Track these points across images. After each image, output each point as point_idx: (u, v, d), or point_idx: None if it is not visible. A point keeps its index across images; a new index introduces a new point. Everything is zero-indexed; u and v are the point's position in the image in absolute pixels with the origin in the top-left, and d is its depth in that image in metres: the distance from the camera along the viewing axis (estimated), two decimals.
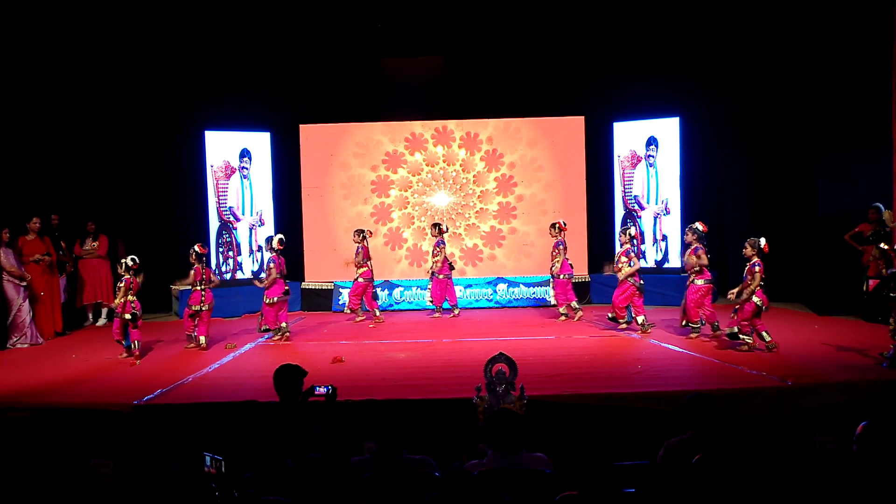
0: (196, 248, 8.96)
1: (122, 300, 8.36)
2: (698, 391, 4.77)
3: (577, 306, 10.24)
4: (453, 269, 10.87)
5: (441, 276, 10.67)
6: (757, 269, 7.81)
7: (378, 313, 10.59)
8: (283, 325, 9.40)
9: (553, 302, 10.64)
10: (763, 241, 7.87)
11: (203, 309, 8.85)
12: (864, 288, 9.14)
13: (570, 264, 10.26)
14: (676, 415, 4.60)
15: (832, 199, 10.07)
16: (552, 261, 10.24)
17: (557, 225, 10.27)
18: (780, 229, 11.02)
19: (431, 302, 10.95)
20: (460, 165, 12.11)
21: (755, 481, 3.65)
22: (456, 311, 10.86)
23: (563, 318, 10.21)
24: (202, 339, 8.90)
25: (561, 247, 10.18)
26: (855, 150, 9.87)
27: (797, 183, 10.79)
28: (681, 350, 8.19)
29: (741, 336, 7.91)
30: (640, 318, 9.24)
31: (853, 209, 9.69)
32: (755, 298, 7.77)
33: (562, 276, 10.16)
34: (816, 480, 3.66)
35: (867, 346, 7.57)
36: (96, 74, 11.06)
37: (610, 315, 9.52)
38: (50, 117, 10.73)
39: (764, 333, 7.87)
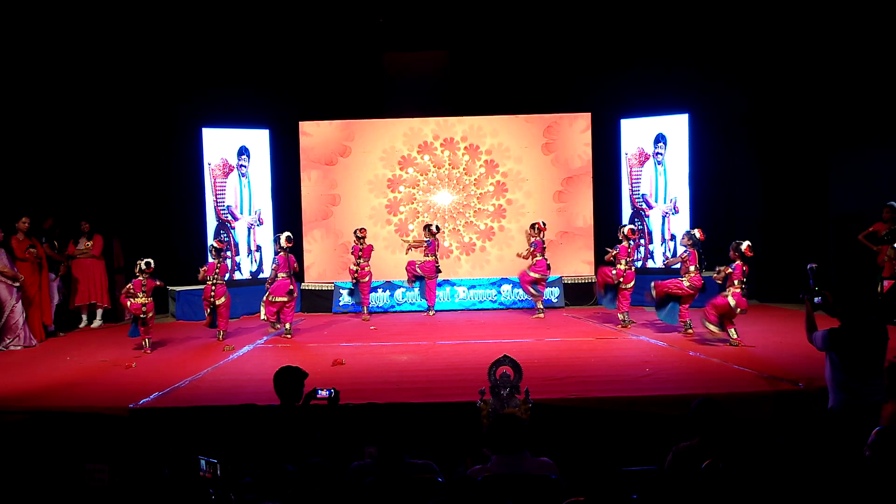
0: (214, 243, 9.49)
1: (146, 300, 8.63)
2: (704, 396, 4.65)
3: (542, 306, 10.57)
4: (440, 272, 10.89)
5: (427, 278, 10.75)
6: (732, 269, 8.01)
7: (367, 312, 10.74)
8: (287, 325, 9.43)
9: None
10: (746, 243, 8.02)
11: (219, 303, 9.19)
12: (879, 289, 9.04)
13: (548, 265, 10.46)
14: (685, 419, 4.48)
15: (846, 197, 9.96)
16: (530, 258, 10.42)
17: (537, 225, 10.44)
18: (792, 229, 10.92)
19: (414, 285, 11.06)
20: (464, 163, 11.98)
21: (766, 487, 3.59)
22: (431, 313, 10.92)
23: (539, 314, 10.45)
24: (221, 333, 9.28)
25: (536, 247, 10.34)
26: (869, 148, 9.76)
27: (810, 181, 10.67)
28: (690, 353, 8.04)
29: (706, 324, 8.18)
30: (620, 315, 9.44)
31: (867, 208, 9.58)
32: (730, 298, 7.95)
33: (532, 274, 10.37)
34: (829, 486, 3.60)
35: None
36: (91, 71, 10.96)
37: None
38: (43, 114, 10.65)
39: (732, 331, 8.14)
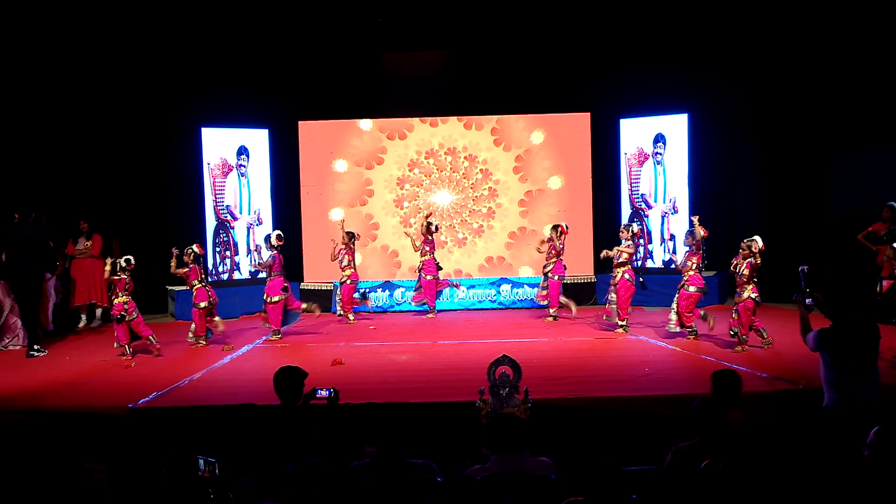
0: (195, 248, 9.03)
1: (122, 300, 8.35)
2: (706, 396, 4.66)
3: (555, 312, 10.27)
4: (440, 269, 10.80)
5: (429, 277, 10.62)
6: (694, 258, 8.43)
7: (353, 318, 10.55)
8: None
9: (543, 303, 10.55)
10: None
11: (203, 306, 8.93)
12: (878, 289, 9.04)
13: (564, 266, 10.26)
14: (684, 419, 4.48)
15: (845, 197, 9.96)
16: (546, 261, 10.25)
17: (559, 228, 10.25)
18: (791, 228, 10.90)
19: (422, 303, 10.89)
20: (463, 163, 11.96)
21: (766, 487, 3.59)
22: (432, 314, 10.78)
23: (550, 318, 10.24)
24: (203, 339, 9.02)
25: (557, 249, 10.19)
26: (869, 148, 9.77)
27: (809, 181, 10.66)
28: (688, 352, 8.04)
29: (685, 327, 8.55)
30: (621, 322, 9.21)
31: (867, 208, 9.58)
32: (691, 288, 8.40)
33: (556, 278, 10.18)
34: (828, 485, 3.62)
35: (882, 349, 7.37)
36: (91, 70, 10.95)
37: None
38: (43, 113, 10.65)
39: (694, 324, 8.55)
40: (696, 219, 8.61)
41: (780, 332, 8.54)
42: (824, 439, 5.11)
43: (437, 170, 11.97)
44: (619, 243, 9.31)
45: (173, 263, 8.96)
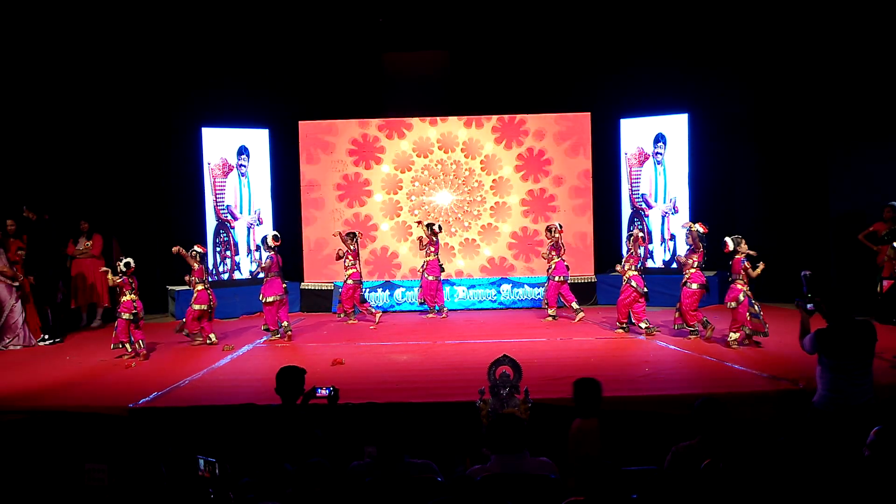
0: (197, 248, 9.08)
1: (130, 298, 8.39)
2: (708, 395, 4.66)
3: (578, 307, 10.20)
4: (443, 270, 10.82)
5: (431, 278, 10.61)
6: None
7: (373, 310, 10.47)
8: (285, 323, 9.33)
9: (544, 303, 10.57)
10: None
11: (212, 307, 9.03)
12: (878, 289, 9.05)
13: (567, 266, 10.22)
14: (685, 419, 4.47)
15: (845, 197, 9.97)
16: (548, 263, 10.25)
17: (553, 228, 10.26)
18: (791, 229, 10.91)
19: (423, 302, 10.90)
20: (463, 163, 11.97)
21: (765, 486, 3.58)
22: (444, 313, 10.78)
23: (549, 318, 10.26)
24: (213, 335, 9.07)
25: (557, 249, 10.18)
26: (869, 148, 9.77)
27: (809, 181, 10.67)
28: (689, 352, 8.04)
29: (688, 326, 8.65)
30: (642, 324, 9.07)
31: (867, 208, 9.58)
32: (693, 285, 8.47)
33: (556, 279, 10.14)
34: (829, 485, 3.61)
35: (881, 349, 7.30)
36: (91, 70, 10.96)
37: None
38: (43, 113, 10.64)
39: (705, 320, 8.60)
40: (697, 225, 8.64)
41: (780, 331, 8.54)
42: (819, 439, 5.10)
43: (437, 169, 11.97)
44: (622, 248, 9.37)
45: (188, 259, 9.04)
